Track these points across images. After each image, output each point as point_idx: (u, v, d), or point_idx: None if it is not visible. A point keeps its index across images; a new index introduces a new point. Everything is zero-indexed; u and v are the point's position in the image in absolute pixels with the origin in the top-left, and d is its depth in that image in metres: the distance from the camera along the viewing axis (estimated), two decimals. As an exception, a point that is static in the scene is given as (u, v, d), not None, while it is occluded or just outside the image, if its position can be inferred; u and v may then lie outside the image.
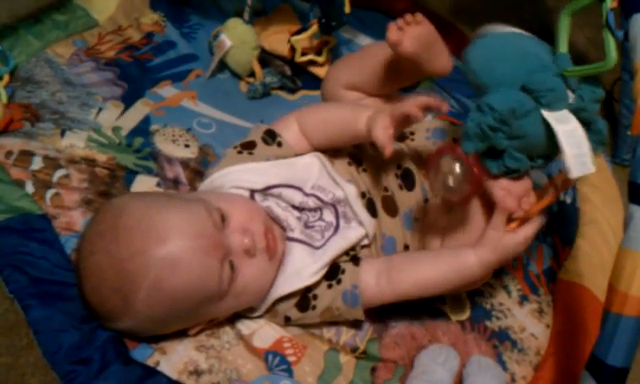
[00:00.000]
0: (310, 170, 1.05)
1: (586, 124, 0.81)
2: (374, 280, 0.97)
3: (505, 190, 0.89)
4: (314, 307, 0.97)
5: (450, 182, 0.88)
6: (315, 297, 0.97)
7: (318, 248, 0.98)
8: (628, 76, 1.39)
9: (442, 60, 1.09)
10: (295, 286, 0.96)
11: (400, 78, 1.11)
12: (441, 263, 0.97)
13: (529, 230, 0.90)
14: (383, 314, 1.04)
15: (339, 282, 0.97)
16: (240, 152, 1.04)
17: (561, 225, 1.24)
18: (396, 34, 1.01)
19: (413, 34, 1.01)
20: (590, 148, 0.79)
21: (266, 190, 1.01)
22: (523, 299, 1.13)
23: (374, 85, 1.13)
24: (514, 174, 0.88)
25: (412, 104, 0.93)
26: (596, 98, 0.80)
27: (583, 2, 0.80)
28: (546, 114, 0.81)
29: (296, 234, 1.00)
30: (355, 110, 1.03)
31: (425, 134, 1.14)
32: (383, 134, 0.92)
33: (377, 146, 0.95)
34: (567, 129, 0.79)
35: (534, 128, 0.82)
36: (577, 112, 0.80)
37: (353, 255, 1.00)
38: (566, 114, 0.80)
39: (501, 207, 0.90)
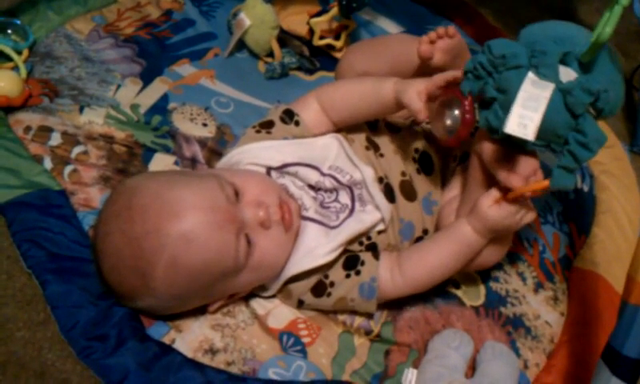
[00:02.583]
0: (329, 150, 1.05)
1: (573, 115, 0.79)
2: (390, 275, 0.98)
3: (507, 171, 0.89)
4: (329, 294, 0.97)
5: (448, 121, 0.90)
6: (332, 284, 0.97)
7: (332, 228, 0.99)
8: (650, 64, 1.38)
9: None
10: (308, 265, 0.96)
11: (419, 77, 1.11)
12: (442, 240, 0.99)
13: (511, 208, 0.90)
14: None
15: (358, 273, 0.97)
16: (258, 131, 1.05)
17: (577, 213, 1.23)
18: (427, 48, 1.02)
19: (444, 48, 1.02)
20: (538, 119, 0.77)
21: (282, 168, 1.02)
22: (538, 286, 1.12)
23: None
24: (494, 135, 0.87)
25: (450, 73, 0.93)
26: (586, 87, 0.77)
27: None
28: (530, 74, 0.80)
29: (310, 213, 1.00)
30: (377, 79, 1.03)
31: None
32: (417, 99, 0.93)
33: (405, 110, 0.96)
34: (534, 90, 0.78)
35: (518, 86, 0.81)
36: (564, 93, 0.78)
37: (368, 244, 1.00)
38: (547, 84, 0.79)
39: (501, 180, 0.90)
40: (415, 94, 0.93)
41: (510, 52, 0.82)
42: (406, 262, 0.98)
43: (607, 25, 0.74)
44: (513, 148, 0.88)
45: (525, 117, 0.78)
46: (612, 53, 0.81)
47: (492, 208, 0.91)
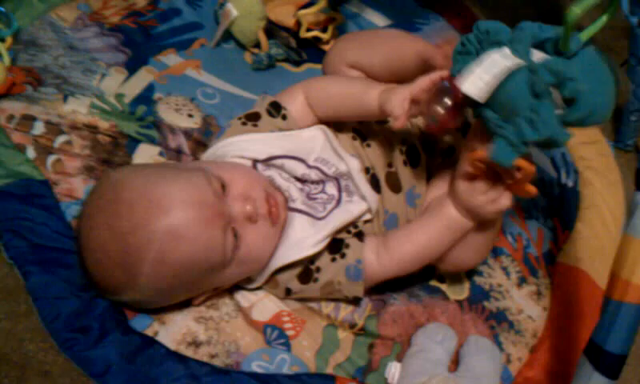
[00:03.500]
0: (314, 142, 1.05)
1: (535, 95, 0.78)
2: (376, 255, 0.98)
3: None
4: (315, 280, 0.97)
5: (439, 108, 0.87)
6: (318, 269, 0.97)
7: (319, 219, 0.98)
8: (636, 61, 1.37)
9: None
10: (296, 256, 0.96)
11: (411, 75, 1.10)
12: (428, 219, 0.99)
13: (480, 184, 0.89)
14: (382, 291, 1.04)
15: (343, 256, 0.97)
16: (244, 123, 1.05)
17: (561, 208, 1.24)
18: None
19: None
20: (492, 83, 0.77)
21: (268, 161, 1.02)
22: (522, 281, 1.13)
23: (382, 73, 1.12)
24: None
25: (436, 74, 0.92)
26: (549, 66, 0.77)
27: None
28: (505, 48, 0.80)
29: (297, 205, 1.00)
30: (365, 84, 1.03)
31: None
32: (400, 106, 0.91)
33: (388, 118, 0.95)
34: (496, 57, 0.79)
35: None
36: (530, 72, 0.78)
37: (355, 232, 1.00)
38: (514, 58, 0.79)
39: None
40: (399, 102, 0.91)
41: (494, 28, 0.82)
42: (393, 240, 0.98)
43: (577, 5, 0.72)
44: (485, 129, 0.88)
45: (480, 78, 0.79)
46: (604, 59, 0.80)
47: (464, 183, 0.91)
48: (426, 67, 1.05)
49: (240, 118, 1.06)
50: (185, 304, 0.96)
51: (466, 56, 0.85)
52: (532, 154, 0.85)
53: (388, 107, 0.93)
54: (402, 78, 1.08)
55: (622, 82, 0.80)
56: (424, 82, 0.91)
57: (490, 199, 0.90)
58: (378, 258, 0.98)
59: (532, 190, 0.86)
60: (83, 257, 0.90)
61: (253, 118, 1.05)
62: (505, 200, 0.90)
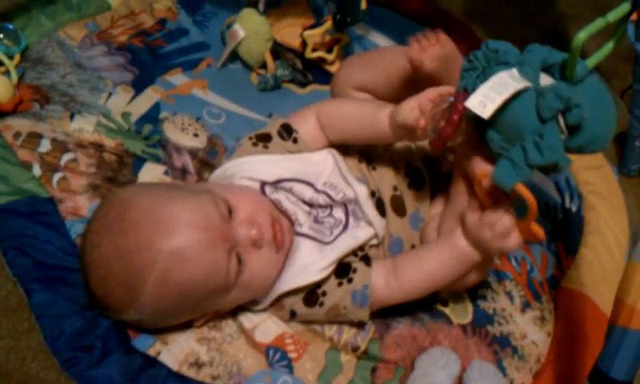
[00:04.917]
0: (324, 166, 1.05)
1: (541, 120, 0.77)
2: (384, 281, 0.97)
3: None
4: (321, 304, 0.97)
5: (441, 122, 0.88)
6: (324, 293, 0.97)
7: (326, 243, 0.98)
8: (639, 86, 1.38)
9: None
10: (302, 282, 0.96)
11: (414, 89, 1.10)
12: (440, 249, 0.97)
13: (487, 219, 0.87)
14: (385, 314, 1.04)
15: (350, 280, 0.97)
16: (255, 144, 1.04)
17: (565, 233, 1.23)
18: (417, 54, 1.02)
19: (435, 55, 1.01)
20: (499, 102, 0.77)
21: (277, 183, 1.01)
22: (525, 306, 1.12)
23: (385, 91, 1.12)
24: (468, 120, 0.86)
25: (445, 88, 0.92)
26: (558, 92, 0.77)
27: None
28: (514, 69, 0.80)
29: (304, 229, 0.99)
30: (376, 105, 1.03)
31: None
32: (409, 115, 0.91)
33: (399, 139, 0.96)
34: (507, 79, 0.78)
35: None
36: (538, 96, 0.78)
37: (362, 255, 1.00)
38: (522, 80, 0.79)
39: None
40: (408, 111, 0.92)
41: (504, 49, 0.82)
42: (402, 268, 0.97)
43: (583, 31, 0.73)
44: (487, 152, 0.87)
45: (488, 97, 0.78)
46: (607, 88, 0.80)
47: (472, 215, 0.90)
48: (418, 76, 1.05)
49: (251, 138, 1.05)
50: (187, 325, 0.96)
51: (471, 72, 0.86)
52: (533, 191, 0.84)
53: (399, 119, 0.93)
54: (404, 94, 1.09)
55: (621, 112, 0.80)
56: (431, 92, 0.91)
57: (497, 234, 0.87)
58: (387, 283, 0.97)
59: (539, 232, 0.85)
60: (87, 274, 0.89)
61: (264, 139, 1.05)
62: (513, 239, 0.87)
